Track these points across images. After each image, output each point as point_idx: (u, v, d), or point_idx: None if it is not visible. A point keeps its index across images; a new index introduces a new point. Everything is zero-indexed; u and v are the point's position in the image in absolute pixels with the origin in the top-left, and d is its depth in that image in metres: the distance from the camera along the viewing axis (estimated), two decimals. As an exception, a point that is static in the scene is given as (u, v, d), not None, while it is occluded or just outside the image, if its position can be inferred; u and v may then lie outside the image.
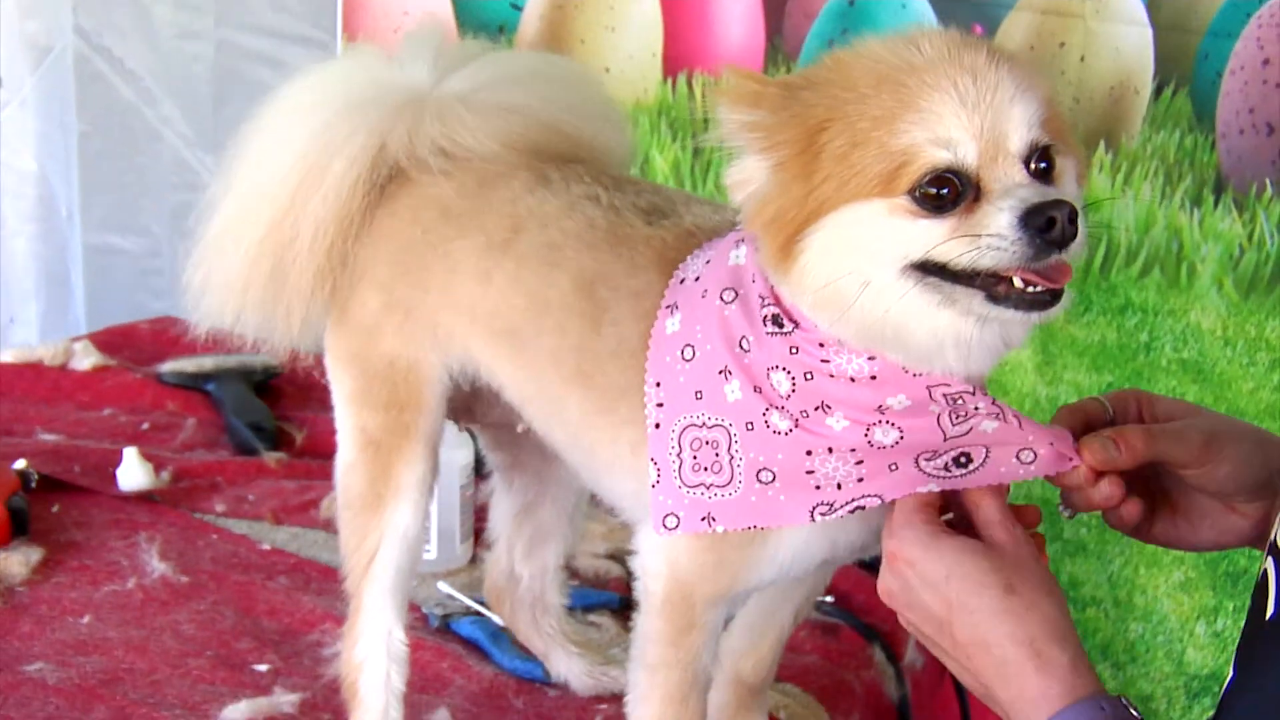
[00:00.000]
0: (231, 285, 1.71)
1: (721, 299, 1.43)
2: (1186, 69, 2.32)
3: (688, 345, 1.44)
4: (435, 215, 1.67)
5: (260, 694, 1.88)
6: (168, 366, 2.80)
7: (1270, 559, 1.20)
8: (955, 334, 1.33)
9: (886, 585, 1.37)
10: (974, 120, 1.30)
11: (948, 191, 1.29)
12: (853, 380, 1.37)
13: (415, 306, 1.67)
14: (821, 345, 1.37)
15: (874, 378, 1.36)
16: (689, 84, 2.80)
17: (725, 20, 2.76)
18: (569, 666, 1.94)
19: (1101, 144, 2.40)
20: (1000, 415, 1.37)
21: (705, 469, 1.42)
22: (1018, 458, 1.37)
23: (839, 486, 1.39)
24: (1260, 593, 1.20)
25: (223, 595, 2.09)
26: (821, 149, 1.32)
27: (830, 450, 1.38)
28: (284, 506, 2.37)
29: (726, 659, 1.73)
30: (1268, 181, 2.25)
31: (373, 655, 1.74)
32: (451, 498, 2.19)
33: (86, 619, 2.01)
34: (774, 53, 2.70)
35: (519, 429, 1.75)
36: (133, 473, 2.36)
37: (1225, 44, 2.26)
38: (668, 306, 1.48)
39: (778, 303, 1.39)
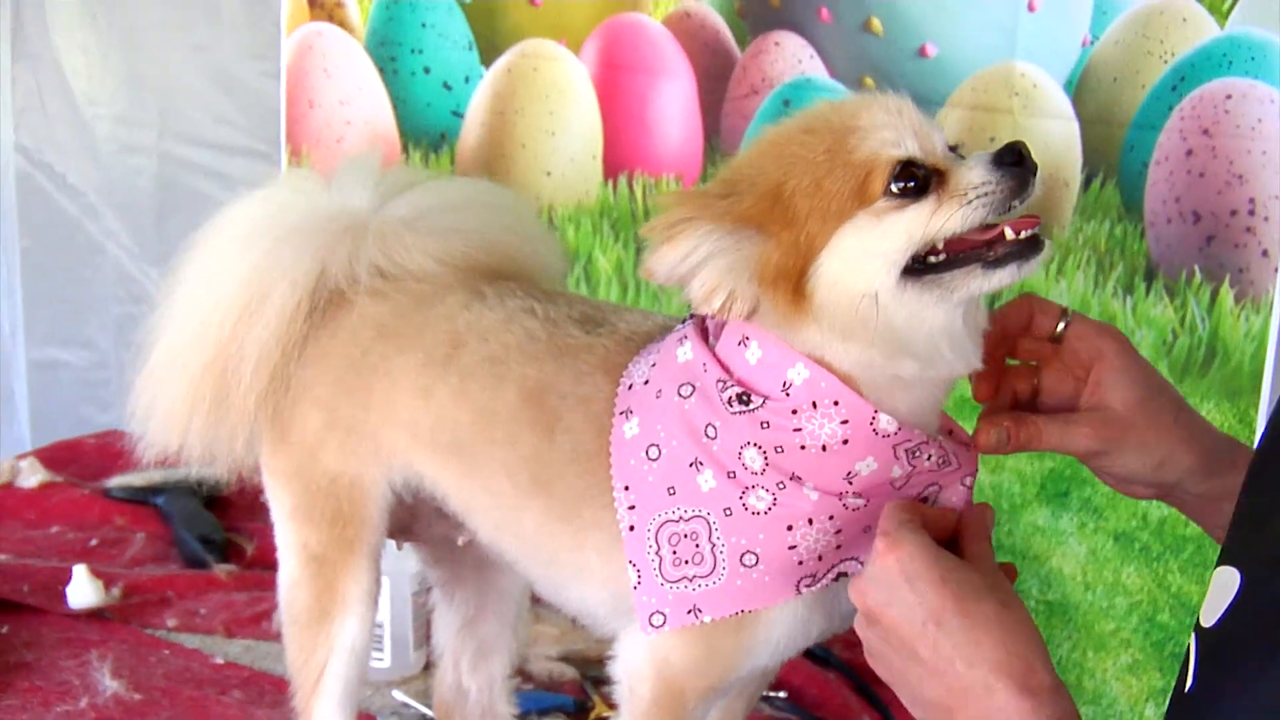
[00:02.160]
0: (176, 411, 1.72)
1: (679, 394, 1.46)
2: (1113, 160, 2.37)
3: (652, 445, 1.46)
4: (373, 334, 1.69)
5: (216, 811, 1.87)
6: (115, 481, 2.79)
7: (1194, 635, 1.23)
8: (946, 331, 1.39)
9: (867, 581, 1.34)
10: (906, 124, 1.40)
11: (915, 182, 1.37)
12: (824, 449, 1.39)
13: (357, 424, 1.69)
14: (795, 413, 1.39)
15: (846, 442, 1.39)
16: (629, 185, 2.83)
17: (664, 122, 2.80)
18: (523, 772, 1.94)
19: (1034, 235, 2.44)
20: (945, 458, 1.44)
21: (686, 562, 1.44)
22: (962, 483, 1.46)
23: (819, 558, 1.43)
24: (1184, 668, 1.23)
25: (176, 712, 2.08)
26: (791, 196, 1.38)
27: (810, 522, 1.41)
28: (236, 619, 2.36)
29: None
30: (1196, 268, 2.30)
31: None
32: (404, 606, 2.19)
33: (38, 741, 1.99)
34: (712, 153, 2.74)
35: (460, 542, 1.76)
36: (82, 590, 2.35)
37: (1149, 135, 2.31)
38: (621, 413, 1.50)
39: (740, 382, 1.42)
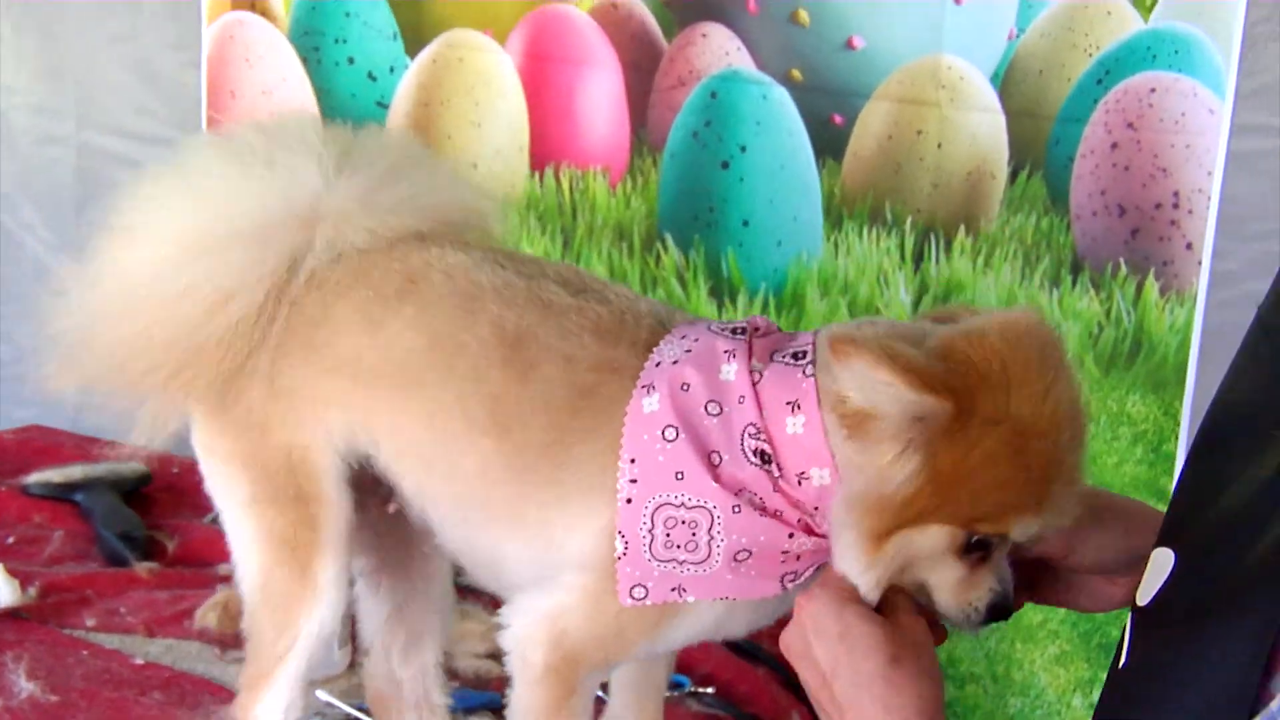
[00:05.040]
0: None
1: (706, 410, 1.44)
2: (1039, 154, 2.38)
3: (670, 426, 1.45)
4: (306, 287, 1.64)
5: (135, 815, 1.84)
6: (34, 478, 2.74)
7: (1130, 615, 1.26)
8: None
9: (788, 637, 1.39)
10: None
11: (979, 549, 1.40)
12: (790, 536, 1.44)
13: (297, 385, 1.63)
14: (795, 505, 1.42)
15: (798, 556, 1.44)
16: (556, 177, 2.82)
17: (590, 114, 2.79)
18: (460, 766, 1.92)
19: (962, 228, 2.45)
20: None
21: (679, 546, 1.44)
22: None
23: (798, 557, 1.45)
24: (1120, 646, 1.25)
25: (94, 714, 2.04)
26: (968, 471, 1.34)
27: (808, 530, 1.44)
28: (157, 618, 2.32)
29: None
30: (1121, 261, 2.31)
31: None
32: (328, 604, 2.15)
33: (-49, 745, 1.96)
34: (639, 145, 2.73)
35: (390, 509, 1.72)
36: (-3, 590, 2.30)
37: (1075, 129, 2.33)
38: (644, 386, 1.48)
39: (770, 440, 1.42)
